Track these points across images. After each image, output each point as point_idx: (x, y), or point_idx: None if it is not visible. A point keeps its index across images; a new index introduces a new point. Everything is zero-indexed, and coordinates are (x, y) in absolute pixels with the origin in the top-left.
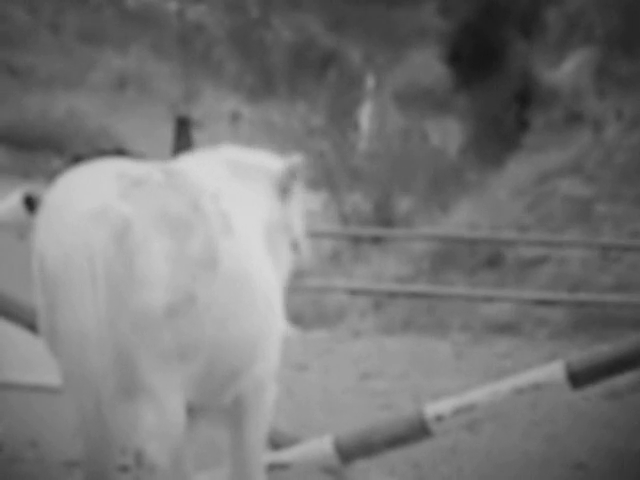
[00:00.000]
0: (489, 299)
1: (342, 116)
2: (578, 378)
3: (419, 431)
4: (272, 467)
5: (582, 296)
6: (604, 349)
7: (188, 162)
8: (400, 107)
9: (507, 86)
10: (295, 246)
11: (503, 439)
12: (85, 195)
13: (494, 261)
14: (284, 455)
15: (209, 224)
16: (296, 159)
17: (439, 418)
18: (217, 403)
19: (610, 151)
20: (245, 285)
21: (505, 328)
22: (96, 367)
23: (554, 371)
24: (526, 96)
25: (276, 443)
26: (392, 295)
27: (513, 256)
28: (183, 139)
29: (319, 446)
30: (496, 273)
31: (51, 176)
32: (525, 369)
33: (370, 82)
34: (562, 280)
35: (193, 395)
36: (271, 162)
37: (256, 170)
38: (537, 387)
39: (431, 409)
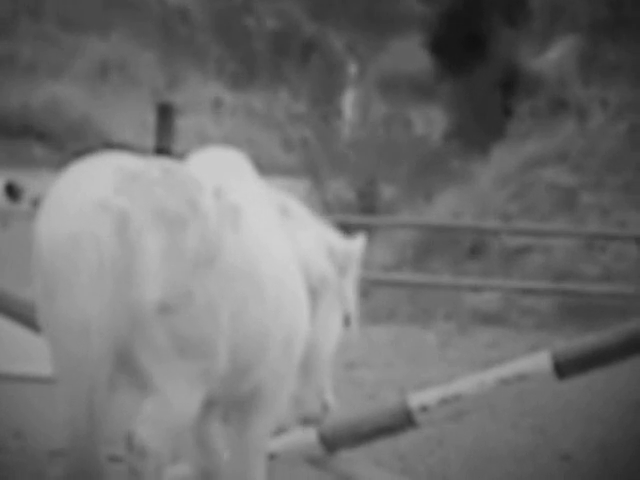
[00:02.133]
0: (474, 288)
1: (325, 103)
2: (564, 368)
3: (404, 421)
4: None
5: (568, 286)
6: (590, 339)
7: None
8: (383, 95)
9: (491, 74)
10: (347, 321)
11: (489, 430)
12: (84, 188)
13: (478, 250)
14: (269, 445)
15: (206, 220)
16: (360, 243)
17: (424, 408)
18: (231, 395)
19: (595, 139)
20: (251, 280)
21: (490, 318)
22: (94, 355)
23: (540, 361)
24: (511, 84)
25: None
26: (377, 284)
27: (497, 245)
28: (165, 126)
29: (304, 436)
30: (480, 262)
31: (33, 164)
32: (511, 359)
33: (353, 69)
34: (547, 270)
35: (210, 388)
36: (328, 231)
37: (308, 223)
38: (523, 377)
39: (416, 399)
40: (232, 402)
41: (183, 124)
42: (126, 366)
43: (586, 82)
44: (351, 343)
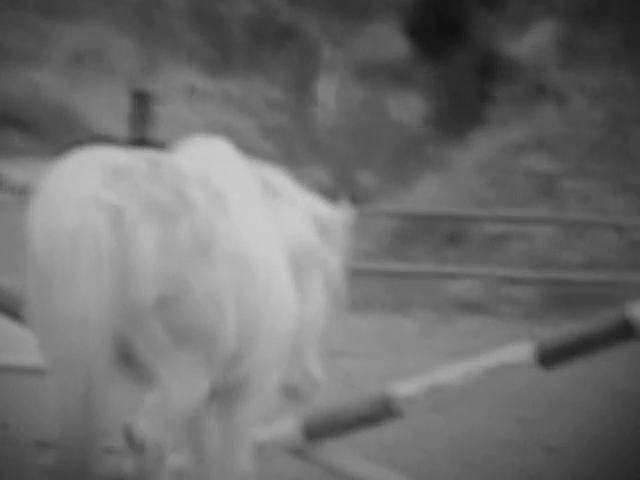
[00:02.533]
0: (455, 276)
1: (301, 90)
2: (548, 358)
3: (386, 411)
4: None
5: (550, 274)
6: (574, 328)
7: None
8: (360, 80)
9: (469, 59)
10: (329, 284)
11: (472, 421)
12: (74, 184)
13: (457, 238)
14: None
15: (196, 210)
16: (346, 210)
17: (406, 399)
18: (219, 383)
19: (575, 125)
20: (244, 266)
21: (471, 306)
22: (93, 345)
23: (523, 351)
24: (489, 69)
25: None
26: (356, 273)
27: (477, 233)
28: (142, 114)
29: (285, 426)
30: (460, 250)
31: (12, 152)
32: (494, 348)
33: (329, 55)
34: (528, 257)
35: (213, 377)
36: (316, 202)
37: (294, 198)
38: (506, 367)
39: (398, 389)
40: (219, 390)
41: (161, 111)
42: (126, 359)
43: (565, 67)
44: (333, 330)
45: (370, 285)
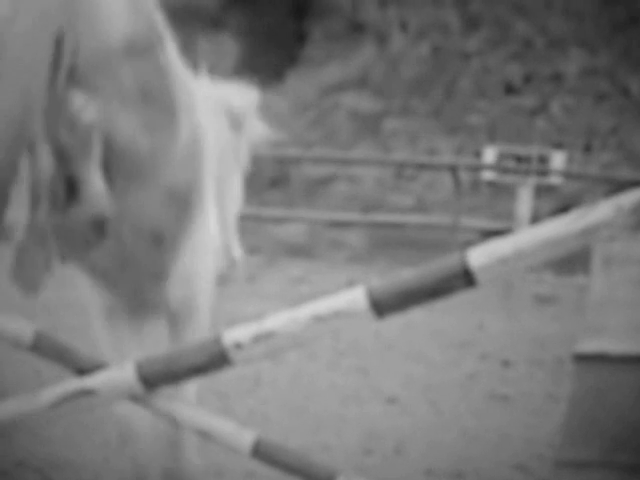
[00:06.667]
0: (280, 220)
1: None
2: (382, 306)
3: (219, 359)
4: (76, 394)
5: (377, 217)
6: (408, 275)
7: None
8: (172, 25)
9: None
10: (242, 171)
11: (308, 370)
12: None
13: (280, 181)
14: (88, 381)
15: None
16: (255, 93)
17: (238, 346)
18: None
19: (396, 63)
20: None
21: (298, 251)
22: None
23: (355, 298)
24: (303, 7)
25: (80, 368)
26: None
27: (300, 175)
28: None
29: (122, 372)
30: (283, 193)
31: None
32: (323, 294)
33: None
34: (355, 200)
35: None
36: (230, 93)
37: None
38: (338, 315)
39: (229, 336)
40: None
41: None
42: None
43: (382, 3)
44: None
45: None
